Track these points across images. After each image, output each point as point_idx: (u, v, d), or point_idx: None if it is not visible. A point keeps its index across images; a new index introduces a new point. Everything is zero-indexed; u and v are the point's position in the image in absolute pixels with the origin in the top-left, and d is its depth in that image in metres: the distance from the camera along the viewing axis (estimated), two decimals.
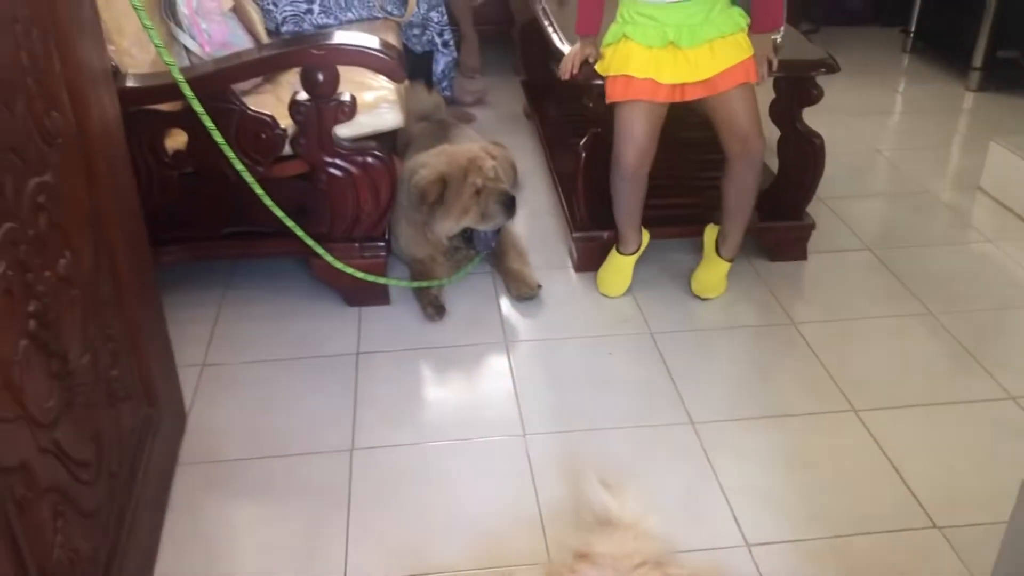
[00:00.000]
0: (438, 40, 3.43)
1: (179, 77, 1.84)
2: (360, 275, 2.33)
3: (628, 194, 2.41)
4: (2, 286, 1.16)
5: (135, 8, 1.67)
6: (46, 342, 1.29)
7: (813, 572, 1.68)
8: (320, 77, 2.12)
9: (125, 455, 1.60)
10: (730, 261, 2.52)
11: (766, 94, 2.54)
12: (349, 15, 3.15)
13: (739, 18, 2.27)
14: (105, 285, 1.59)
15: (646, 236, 2.54)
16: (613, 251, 2.54)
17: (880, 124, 3.78)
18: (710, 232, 2.56)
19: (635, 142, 2.30)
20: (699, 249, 2.60)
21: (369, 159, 2.26)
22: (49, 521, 1.25)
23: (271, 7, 3.06)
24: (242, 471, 1.93)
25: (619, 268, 2.53)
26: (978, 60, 3.95)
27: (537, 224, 2.90)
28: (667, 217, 2.63)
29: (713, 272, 2.53)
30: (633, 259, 2.52)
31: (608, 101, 2.30)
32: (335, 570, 1.69)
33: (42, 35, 1.38)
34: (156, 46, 1.80)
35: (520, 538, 1.73)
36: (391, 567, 1.68)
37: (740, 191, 2.40)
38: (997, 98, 3.93)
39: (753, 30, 2.27)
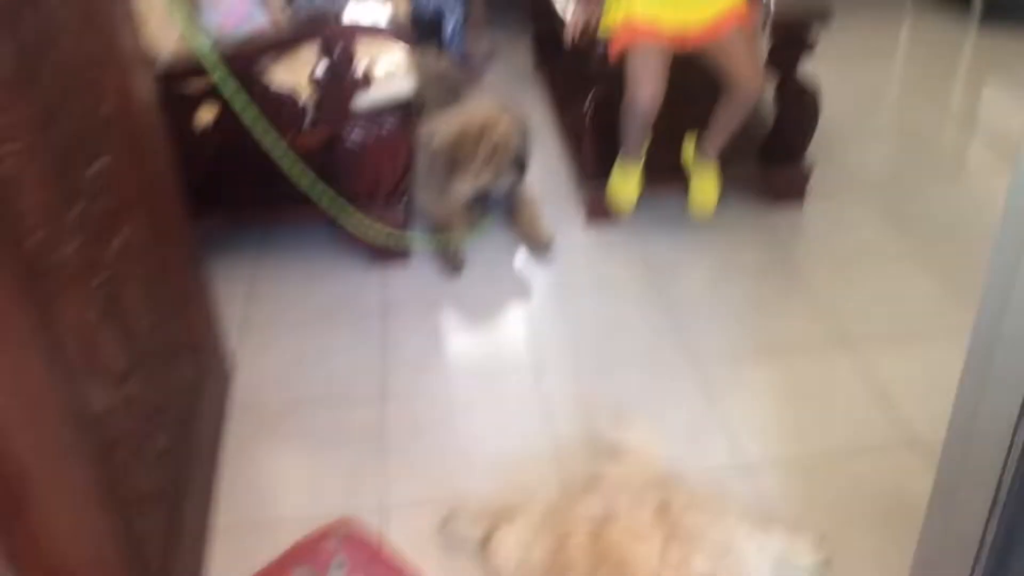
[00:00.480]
0: (444, 3, 3.55)
1: (211, 63, 2.00)
2: (383, 235, 2.50)
3: (640, 128, 2.56)
4: (79, 259, 1.34)
5: (173, 10, 1.82)
6: (114, 308, 1.47)
7: (804, 487, 1.86)
8: (337, 51, 2.27)
9: (184, 405, 1.80)
10: (713, 161, 2.64)
11: (764, 43, 2.67)
12: None
13: None
14: (156, 254, 1.76)
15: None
16: (619, 166, 2.67)
17: (883, 67, 3.87)
18: (688, 146, 2.70)
19: (650, 81, 2.43)
20: None
21: (386, 126, 2.42)
22: (127, 460, 1.44)
23: None
24: (284, 418, 2.12)
25: (629, 177, 2.66)
26: None
27: (548, 178, 3.05)
28: (672, 169, 2.77)
29: (703, 183, 2.65)
30: (640, 167, 2.66)
31: (616, 49, 2.43)
32: (375, 503, 1.88)
33: (95, 32, 1.54)
34: (189, 36, 1.95)
35: (539, 468, 1.92)
36: (425, 496, 1.88)
37: (732, 115, 2.55)
38: (997, 36, 4.00)
39: None
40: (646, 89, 2.43)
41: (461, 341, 2.39)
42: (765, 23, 2.46)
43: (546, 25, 3.69)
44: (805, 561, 1.69)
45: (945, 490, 1.11)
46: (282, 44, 2.34)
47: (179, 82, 2.28)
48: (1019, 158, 0.89)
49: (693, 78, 2.64)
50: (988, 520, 0.99)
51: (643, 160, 2.67)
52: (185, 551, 1.65)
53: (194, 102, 2.34)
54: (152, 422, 1.58)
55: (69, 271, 1.30)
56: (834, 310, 2.37)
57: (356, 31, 2.29)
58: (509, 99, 3.31)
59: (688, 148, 2.72)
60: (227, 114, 2.29)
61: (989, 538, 0.99)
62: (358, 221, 2.47)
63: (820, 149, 3.06)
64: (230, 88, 2.09)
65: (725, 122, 2.60)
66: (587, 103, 2.70)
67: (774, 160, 2.80)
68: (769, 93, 2.70)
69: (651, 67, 2.41)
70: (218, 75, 2.08)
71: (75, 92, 1.41)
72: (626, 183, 2.69)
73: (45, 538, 1.09)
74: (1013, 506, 0.98)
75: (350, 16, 2.35)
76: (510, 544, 1.63)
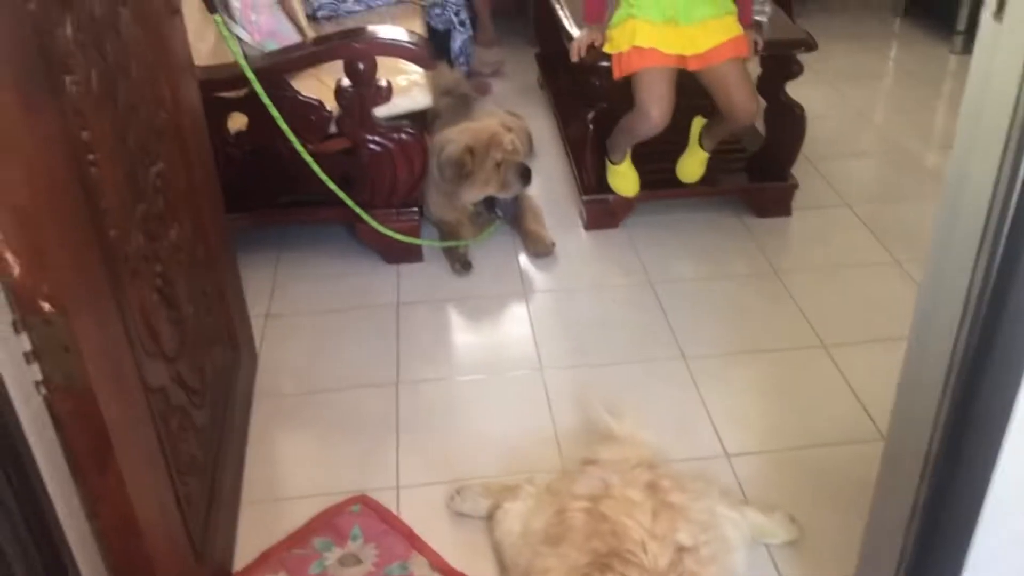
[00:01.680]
0: (455, 19, 3.74)
1: (251, 76, 2.20)
2: (398, 237, 2.69)
3: (637, 140, 2.78)
4: (143, 253, 1.52)
5: (217, 23, 2.01)
6: (167, 296, 1.66)
7: (780, 476, 2.05)
8: (361, 67, 2.46)
9: (219, 387, 1.98)
10: (706, 152, 2.91)
11: (754, 70, 2.86)
12: (378, 1, 3.46)
13: (729, 3, 2.60)
14: (199, 249, 1.94)
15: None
16: (611, 167, 2.90)
17: (869, 88, 4.06)
18: (697, 123, 2.93)
19: (661, 100, 2.62)
20: (698, 210, 2.99)
21: (404, 136, 2.61)
22: (178, 432, 1.62)
23: None
24: (306, 403, 2.30)
25: (625, 173, 2.90)
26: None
27: (551, 188, 3.23)
28: (668, 180, 2.98)
29: (694, 159, 2.93)
30: (628, 161, 2.89)
31: (620, 75, 2.63)
32: (389, 480, 2.06)
33: (155, 45, 1.72)
34: (234, 52, 2.15)
35: (539, 452, 2.11)
36: (434, 476, 2.06)
37: (725, 130, 2.84)
38: None
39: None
40: (655, 112, 2.62)
41: (469, 335, 2.59)
42: (756, 51, 2.65)
43: (551, 43, 3.87)
44: (777, 537, 1.88)
45: (889, 466, 1.30)
46: (313, 59, 2.53)
47: (215, 90, 2.46)
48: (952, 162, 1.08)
49: (696, 94, 2.84)
50: (919, 487, 1.17)
51: (627, 156, 2.87)
52: (221, 518, 1.83)
53: (228, 109, 2.52)
54: (195, 400, 1.76)
55: (135, 262, 1.48)
56: (815, 314, 2.55)
57: (381, 48, 2.48)
58: (515, 113, 3.51)
59: (696, 125, 2.93)
60: (258, 120, 2.48)
61: (921, 501, 1.18)
62: (375, 223, 2.65)
63: (807, 165, 3.25)
64: (265, 97, 2.28)
65: (719, 133, 2.82)
66: (589, 118, 2.89)
67: (763, 175, 3.00)
68: (760, 113, 2.90)
69: (658, 90, 2.61)
70: (255, 84, 2.27)
71: (142, 103, 1.60)
72: (624, 178, 2.91)
73: (120, 489, 1.27)
74: (937, 479, 1.17)
75: (372, 32, 2.54)
76: (513, 516, 1.81)
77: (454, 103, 3.28)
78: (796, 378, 2.34)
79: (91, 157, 1.30)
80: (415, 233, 2.76)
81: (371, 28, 2.57)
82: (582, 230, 3.01)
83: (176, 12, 1.87)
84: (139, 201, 1.54)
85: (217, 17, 2.01)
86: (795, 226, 3.00)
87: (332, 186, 2.52)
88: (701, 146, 2.90)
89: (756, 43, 2.65)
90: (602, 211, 2.95)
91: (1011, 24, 0.96)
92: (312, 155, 2.52)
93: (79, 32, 1.27)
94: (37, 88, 1.11)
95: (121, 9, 1.54)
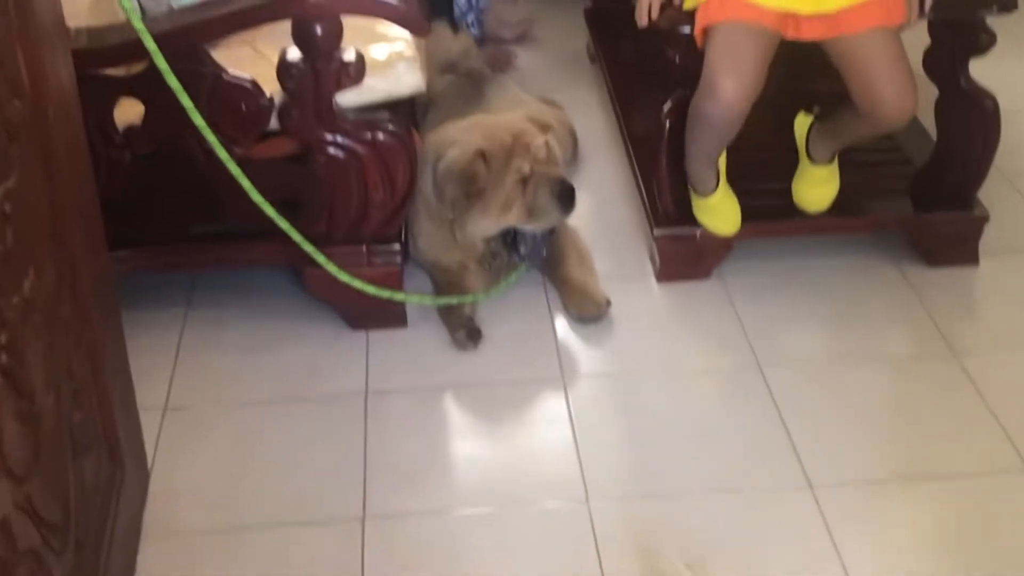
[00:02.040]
0: None
1: (151, 44, 2.22)
2: (369, 289, 2.70)
3: (715, 140, 2.76)
4: None
5: None
6: (16, 379, 1.66)
7: None
8: (318, 31, 2.49)
9: (91, 522, 1.98)
10: (828, 163, 2.92)
11: (919, 40, 2.87)
12: None
13: None
14: (65, 307, 1.96)
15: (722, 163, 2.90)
16: (696, 200, 2.91)
17: None
18: (800, 124, 2.95)
19: (737, 68, 2.60)
20: (830, 253, 3.03)
21: (381, 135, 2.63)
22: None
23: None
24: (221, 546, 2.28)
25: (715, 207, 2.90)
26: None
27: (605, 215, 3.25)
28: (776, 208, 2.99)
29: (811, 179, 2.94)
30: (723, 189, 2.89)
31: (699, 29, 2.65)
32: None
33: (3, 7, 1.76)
34: (126, 9, 2.18)
35: None
36: None
37: (860, 135, 2.86)
38: None
39: None
40: (726, 84, 2.59)
41: (474, 445, 2.59)
42: (921, 13, 2.65)
43: None
44: None
45: None
46: (246, 20, 2.56)
47: (96, 64, 2.50)
48: None
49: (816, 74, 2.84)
50: None
51: (721, 180, 2.87)
52: None
53: (116, 93, 2.56)
54: (54, 541, 1.76)
55: None
56: (1012, 421, 2.53)
57: (345, 2, 2.51)
58: (552, 100, 3.54)
59: (800, 127, 2.96)
60: (160, 111, 2.51)
61: None
62: (334, 268, 2.66)
63: (1003, 186, 3.25)
64: (171, 76, 2.31)
65: (844, 137, 2.86)
66: (665, 110, 2.90)
67: (934, 201, 2.99)
68: (926, 108, 2.90)
69: (737, 55, 2.60)
70: (157, 57, 2.30)
71: None
72: (717, 211, 2.91)
73: None
74: None
75: None
76: None
77: (459, 85, 3.32)
78: (986, 519, 2.31)
79: None
80: (396, 284, 2.78)
81: None
82: (653, 281, 3.02)
83: None
84: None
85: None
86: (984, 280, 3.00)
87: (270, 211, 2.54)
88: (811, 158, 2.92)
89: (921, 1, 2.66)
90: (684, 253, 2.96)
91: None
92: (241, 163, 2.54)
93: None
94: None
95: None
